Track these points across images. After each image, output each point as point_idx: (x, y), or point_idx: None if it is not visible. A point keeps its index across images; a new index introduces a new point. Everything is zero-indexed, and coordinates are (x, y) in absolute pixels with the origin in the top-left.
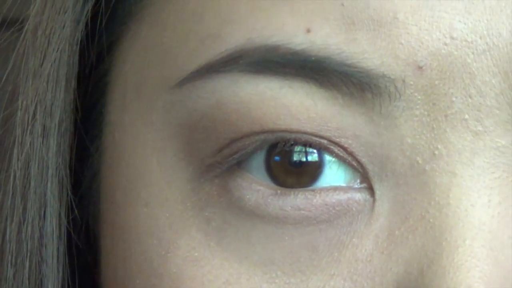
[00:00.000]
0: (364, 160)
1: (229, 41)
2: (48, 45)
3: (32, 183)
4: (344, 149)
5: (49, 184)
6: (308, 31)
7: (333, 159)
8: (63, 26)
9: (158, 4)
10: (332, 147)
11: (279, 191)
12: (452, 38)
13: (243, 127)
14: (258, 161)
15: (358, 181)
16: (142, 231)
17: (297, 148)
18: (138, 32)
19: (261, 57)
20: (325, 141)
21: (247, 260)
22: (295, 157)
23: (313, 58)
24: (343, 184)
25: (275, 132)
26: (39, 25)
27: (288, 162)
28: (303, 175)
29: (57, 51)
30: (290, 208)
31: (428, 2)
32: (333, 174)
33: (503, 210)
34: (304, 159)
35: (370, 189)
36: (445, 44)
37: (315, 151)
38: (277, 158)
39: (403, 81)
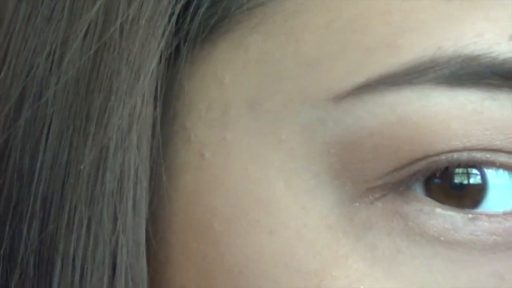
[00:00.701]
0: None
1: (412, 51)
2: (144, 59)
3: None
4: None
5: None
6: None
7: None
8: (158, 35)
9: (279, 13)
10: None
11: (469, 215)
12: None
13: (438, 144)
14: (417, 182)
15: None
16: (268, 262)
17: (459, 170)
18: (245, 43)
19: (458, 68)
20: None
21: None
22: (456, 180)
23: None
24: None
25: (473, 151)
26: (129, 38)
27: (449, 185)
28: (464, 198)
29: (151, 65)
30: (481, 233)
31: None
32: (501, 197)
33: None
34: (466, 182)
35: None
36: None
37: (478, 172)
38: (436, 180)
39: None
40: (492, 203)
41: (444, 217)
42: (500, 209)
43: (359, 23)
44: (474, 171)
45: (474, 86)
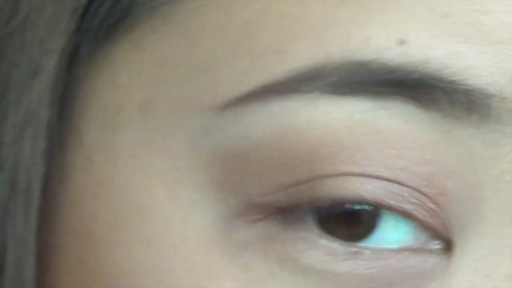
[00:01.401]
0: (453, 207)
1: (300, 57)
2: (41, 58)
3: None
4: (434, 203)
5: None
6: (402, 42)
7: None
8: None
9: (179, 14)
10: (416, 212)
11: (352, 249)
12: None
13: (325, 158)
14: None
15: (437, 241)
16: (142, 276)
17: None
18: (144, 43)
19: (347, 75)
20: (412, 207)
21: None
22: (347, 207)
23: (412, 75)
24: (413, 241)
25: (360, 176)
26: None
27: (340, 211)
28: (355, 226)
29: (50, 62)
30: (362, 267)
31: None
32: (394, 228)
33: None
34: (358, 208)
35: (448, 245)
36: None
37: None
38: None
39: None
40: (387, 232)
41: (325, 249)
42: (394, 239)
43: (251, 27)
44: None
45: (364, 94)
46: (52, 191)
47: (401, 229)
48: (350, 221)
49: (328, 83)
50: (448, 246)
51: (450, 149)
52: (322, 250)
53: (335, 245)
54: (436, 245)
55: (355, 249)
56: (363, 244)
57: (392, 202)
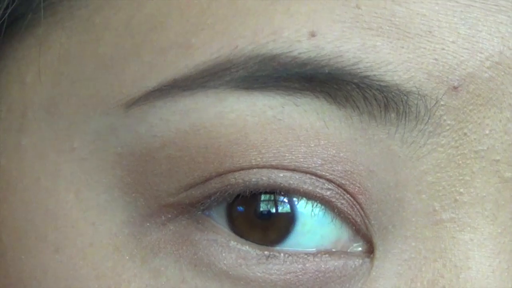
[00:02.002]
0: (373, 207)
1: (206, 51)
2: None
3: None
4: (353, 197)
5: None
6: (312, 35)
7: (332, 215)
8: None
9: (84, 8)
10: (335, 199)
11: (266, 252)
12: (497, 63)
13: (234, 157)
14: (219, 209)
15: (359, 243)
16: (50, 283)
17: (265, 197)
18: (49, 39)
19: (256, 69)
20: (328, 193)
21: None
22: (262, 208)
23: (324, 69)
24: (333, 245)
25: (274, 169)
26: None
27: (254, 213)
28: (270, 230)
29: None
30: (276, 271)
31: (467, 21)
32: (312, 232)
33: None
34: (273, 210)
35: (370, 247)
36: (488, 67)
37: (286, 200)
38: (240, 208)
39: (435, 100)
40: (303, 236)
41: (238, 252)
42: (311, 244)
43: (156, 20)
44: (283, 199)
45: (274, 89)
46: None
47: (319, 233)
48: (265, 225)
49: (237, 78)
50: (370, 248)
51: (367, 148)
52: (234, 254)
53: (247, 248)
54: (357, 247)
55: (268, 252)
56: (278, 247)
57: (308, 187)
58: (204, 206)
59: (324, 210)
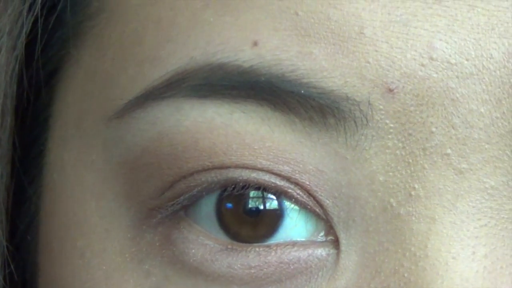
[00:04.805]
0: (328, 202)
1: (170, 62)
2: None
3: None
4: (306, 190)
5: None
6: (255, 44)
7: (293, 205)
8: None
9: (98, 26)
10: (291, 190)
11: (229, 246)
12: (431, 59)
13: (189, 161)
14: (208, 208)
15: (322, 232)
16: (78, 284)
17: (253, 193)
18: (79, 59)
19: (206, 78)
20: (283, 183)
21: None
22: (251, 204)
23: (263, 77)
24: (303, 237)
25: (225, 168)
26: None
27: (243, 210)
28: (259, 226)
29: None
30: (239, 266)
31: (401, 17)
32: (293, 224)
33: (490, 264)
34: (261, 207)
35: (335, 240)
36: (422, 65)
37: (274, 197)
38: (229, 205)
39: (370, 104)
40: (291, 231)
41: (205, 247)
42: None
43: (138, 34)
44: (270, 196)
45: (223, 97)
46: (30, 211)
47: (305, 227)
48: (253, 222)
49: (191, 87)
50: (335, 242)
51: (314, 150)
52: (201, 249)
53: (211, 243)
54: (321, 237)
55: (230, 246)
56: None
57: (262, 177)
58: (179, 207)
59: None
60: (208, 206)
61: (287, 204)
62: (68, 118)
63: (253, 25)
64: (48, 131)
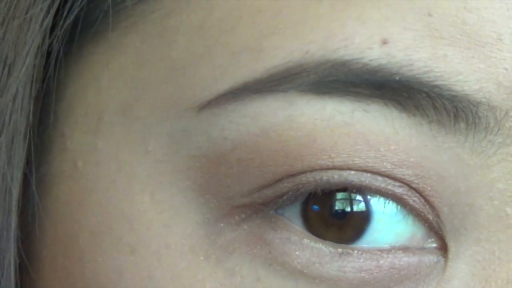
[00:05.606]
0: (445, 210)
1: (278, 55)
2: (16, 56)
3: None
4: (423, 196)
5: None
6: (384, 42)
7: (382, 209)
8: (32, 33)
9: (158, 12)
10: (406, 197)
11: (339, 250)
12: None
13: (304, 160)
14: (294, 208)
15: (432, 239)
16: (126, 284)
17: (340, 195)
18: (124, 43)
19: (326, 74)
20: (401, 190)
21: None
22: (337, 206)
23: (394, 77)
24: (389, 244)
25: (346, 170)
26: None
27: (329, 212)
28: (345, 229)
29: (24, 64)
30: (350, 269)
31: None
32: (381, 228)
33: None
34: (348, 209)
35: (443, 247)
36: None
37: (361, 199)
38: (315, 207)
39: (506, 112)
40: (378, 234)
41: (312, 250)
42: (386, 242)
43: (228, 24)
44: (357, 197)
45: (344, 95)
46: (40, 199)
47: (393, 230)
48: (340, 224)
49: (307, 82)
50: (443, 248)
51: (437, 154)
52: (307, 252)
53: (320, 246)
54: (431, 243)
55: (341, 249)
56: (353, 245)
57: (380, 184)
58: (277, 205)
59: (396, 208)
60: (295, 206)
61: (375, 207)
62: (102, 104)
63: (380, 23)
64: (61, 116)
